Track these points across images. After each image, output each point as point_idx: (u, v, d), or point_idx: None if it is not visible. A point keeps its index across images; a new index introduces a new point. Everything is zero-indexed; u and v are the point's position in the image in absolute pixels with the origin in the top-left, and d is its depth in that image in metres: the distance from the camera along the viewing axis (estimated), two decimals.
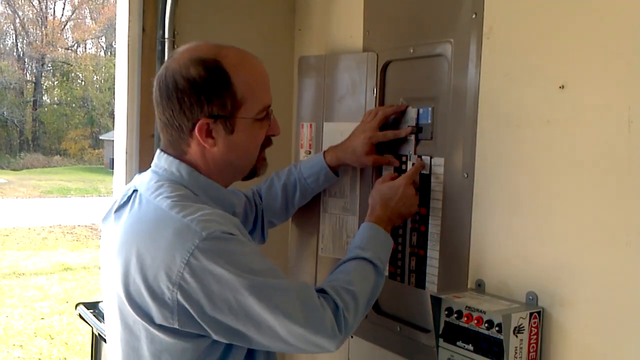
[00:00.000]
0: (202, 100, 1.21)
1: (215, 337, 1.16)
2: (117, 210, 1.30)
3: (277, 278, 1.20)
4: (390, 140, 1.64)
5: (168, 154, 1.29)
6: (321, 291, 1.27)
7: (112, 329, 1.29)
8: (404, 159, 1.63)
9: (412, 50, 1.60)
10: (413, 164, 1.59)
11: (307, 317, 1.18)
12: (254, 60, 1.29)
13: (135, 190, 1.28)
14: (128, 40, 1.88)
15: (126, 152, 1.92)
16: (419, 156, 1.58)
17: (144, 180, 1.29)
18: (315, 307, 1.21)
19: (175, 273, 1.11)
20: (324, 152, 1.68)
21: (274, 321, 1.15)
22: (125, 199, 1.30)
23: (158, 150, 1.31)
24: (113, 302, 1.25)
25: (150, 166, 1.32)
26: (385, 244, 1.46)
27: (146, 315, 1.16)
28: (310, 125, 1.83)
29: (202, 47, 1.25)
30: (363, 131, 1.64)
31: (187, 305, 1.12)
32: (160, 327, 1.16)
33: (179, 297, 1.12)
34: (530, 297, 1.31)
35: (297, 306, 1.18)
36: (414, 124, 1.59)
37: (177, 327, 1.14)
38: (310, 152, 1.83)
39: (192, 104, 1.21)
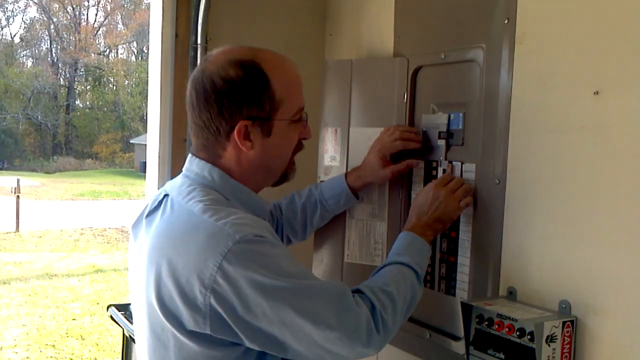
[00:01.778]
0: (241, 101, 1.20)
1: (248, 343, 1.13)
2: (147, 215, 1.30)
3: (310, 279, 1.18)
4: (420, 148, 1.63)
5: (200, 158, 1.27)
6: (357, 292, 1.24)
7: (140, 337, 1.29)
8: (434, 164, 1.62)
9: (443, 56, 1.59)
10: (444, 170, 1.58)
11: (342, 320, 1.15)
12: (289, 62, 1.28)
13: (166, 195, 1.28)
14: (161, 46, 1.91)
15: (159, 157, 1.95)
16: (450, 162, 1.57)
17: (175, 185, 1.28)
18: (351, 308, 1.17)
19: (207, 277, 1.10)
20: (346, 174, 1.68)
21: (309, 325, 1.12)
22: (156, 204, 1.29)
23: (190, 155, 1.30)
24: (142, 309, 1.24)
25: (181, 170, 1.32)
26: (422, 250, 1.42)
27: (177, 321, 1.14)
28: (336, 130, 1.83)
29: (238, 49, 1.25)
30: (375, 147, 1.65)
31: (220, 310, 1.10)
32: (191, 334, 1.14)
33: (212, 301, 1.10)
34: (563, 306, 1.29)
35: (332, 308, 1.15)
36: (445, 130, 1.58)
37: (209, 333, 1.12)
38: (335, 157, 1.83)
39: (231, 106, 1.20)
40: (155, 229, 1.24)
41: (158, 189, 1.94)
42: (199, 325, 1.12)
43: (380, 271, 1.36)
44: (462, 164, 1.54)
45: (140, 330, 1.27)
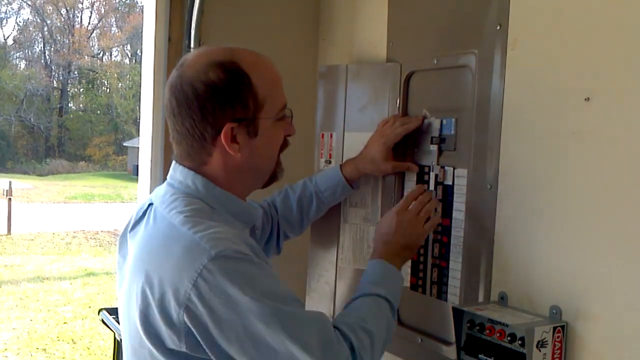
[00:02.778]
0: (225, 104, 1.17)
1: None
2: (133, 225, 1.27)
3: (291, 305, 1.12)
4: (412, 151, 1.64)
5: (184, 165, 1.24)
6: (336, 328, 1.18)
7: (124, 349, 1.26)
8: (426, 169, 1.63)
9: (436, 61, 1.60)
10: (436, 175, 1.58)
11: (324, 351, 1.10)
12: (267, 60, 1.25)
13: (151, 204, 1.25)
14: (154, 50, 1.91)
15: (151, 160, 1.95)
16: (442, 167, 1.58)
17: (160, 194, 1.25)
18: (331, 341, 1.13)
19: (182, 294, 1.06)
20: (341, 165, 1.67)
21: (284, 353, 1.07)
22: (141, 213, 1.26)
23: (173, 162, 1.27)
24: (125, 322, 1.21)
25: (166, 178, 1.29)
26: (396, 281, 1.38)
27: (156, 338, 1.10)
28: (331, 135, 1.83)
29: (214, 50, 1.21)
30: (378, 138, 1.64)
31: (193, 329, 1.06)
32: (169, 352, 1.10)
33: (186, 319, 1.06)
34: (554, 311, 1.29)
35: (312, 337, 1.10)
36: (437, 135, 1.58)
37: (186, 351, 1.09)
38: (330, 162, 1.83)
39: (215, 110, 1.16)
40: (138, 240, 1.22)
41: (150, 192, 1.94)
42: (175, 343, 1.09)
43: (356, 303, 1.31)
44: (454, 169, 1.55)
45: (126, 346, 1.25)
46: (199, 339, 1.07)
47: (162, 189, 1.27)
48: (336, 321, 1.21)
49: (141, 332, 1.13)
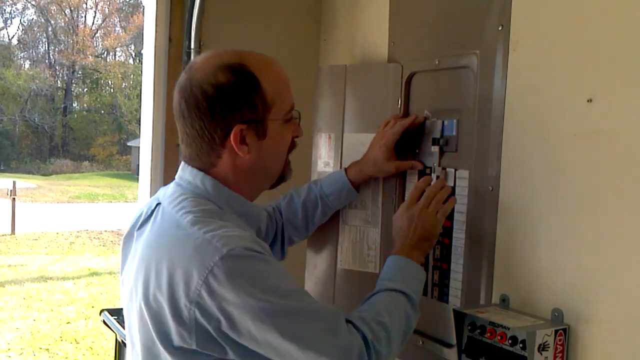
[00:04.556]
0: (234, 106, 1.18)
1: (236, 358, 1.11)
2: (141, 224, 1.27)
3: (303, 302, 1.14)
4: (413, 153, 1.64)
5: (193, 166, 1.25)
6: (350, 321, 1.19)
7: (132, 347, 1.27)
8: (427, 171, 1.62)
9: (437, 62, 1.59)
10: (437, 177, 1.57)
11: (332, 345, 1.11)
12: (275, 62, 1.27)
13: (159, 204, 1.26)
14: (155, 50, 1.90)
15: (151, 161, 1.94)
16: (444, 168, 1.57)
17: (168, 193, 1.26)
18: (342, 333, 1.14)
19: (192, 290, 1.07)
20: (346, 168, 1.67)
21: (295, 350, 1.09)
22: (149, 213, 1.27)
23: (182, 162, 1.28)
24: (134, 319, 1.21)
25: (174, 178, 1.30)
26: (415, 274, 1.37)
27: (165, 336, 1.12)
28: (329, 136, 1.82)
29: (223, 53, 1.23)
30: (379, 140, 1.63)
31: (205, 324, 1.08)
32: (177, 350, 1.11)
33: (197, 316, 1.08)
34: (556, 314, 1.28)
35: (323, 334, 1.12)
36: (439, 136, 1.58)
37: (196, 349, 1.10)
38: (328, 163, 1.82)
39: (225, 112, 1.18)
40: (145, 239, 1.23)
41: (150, 193, 1.94)
42: (185, 341, 1.10)
43: (370, 299, 1.30)
44: (455, 170, 1.54)
45: (133, 340, 1.25)
46: (213, 334, 1.09)
47: (170, 188, 1.28)
48: (350, 316, 1.22)
49: (151, 329, 1.14)
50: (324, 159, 1.83)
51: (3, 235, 13.30)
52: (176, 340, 1.11)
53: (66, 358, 6.56)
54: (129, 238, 1.31)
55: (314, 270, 1.84)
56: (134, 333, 1.23)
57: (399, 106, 1.69)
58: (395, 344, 1.23)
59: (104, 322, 2.68)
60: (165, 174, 1.93)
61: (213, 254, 1.08)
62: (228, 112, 1.18)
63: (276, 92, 1.23)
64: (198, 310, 1.08)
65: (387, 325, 1.21)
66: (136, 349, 1.23)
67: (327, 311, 1.17)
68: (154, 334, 1.14)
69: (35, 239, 13.15)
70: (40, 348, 6.80)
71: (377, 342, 1.17)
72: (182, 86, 1.22)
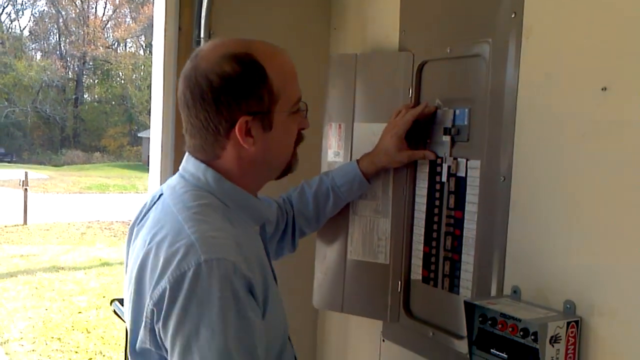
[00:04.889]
0: (240, 97, 1.15)
1: None
2: (143, 216, 1.26)
3: (239, 343, 1.05)
4: (424, 143, 1.62)
5: (196, 157, 1.23)
6: None
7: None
8: (438, 161, 1.60)
9: (449, 50, 1.57)
10: (449, 167, 1.56)
11: None
12: (283, 52, 1.24)
13: (162, 195, 1.24)
14: (164, 39, 1.89)
15: (161, 151, 1.94)
16: (455, 158, 1.55)
17: (171, 184, 1.24)
18: None
19: (160, 289, 1.06)
20: (357, 160, 1.65)
21: None
22: (152, 204, 1.26)
23: (187, 153, 1.25)
24: (128, 310, 1.21)
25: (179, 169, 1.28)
26: None
27: (154, 335, 1.10)
28: (340, 126, 1.80)
29: (230, 42, 1.20)
30: (390, 130, 1.62)
31: (154, 323, 1.07)
32: (141, 352, 1.12)
33: (153, 314, 1.07)
34: (568, 306, 1.27)
35: None
36: (450, 126, 1.56)
37: (151, 348, 1.10)
38: (338, 153, 1.81)
39: (230, 103, 1.15)
40: (143, 232, 1.21)
41: (160, 183, 1.93)
42: (143, 340, 1.10)
43: None
44: (467, 160, 1.52)
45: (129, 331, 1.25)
46: (159, 333, 1.07)
47: (174, 179, 1.26)
48: None
49: (142, 328, 1.13)
50: (334, 149, 1.81)
51: (15, 226, 13.41)
52: (140, 338, 1.11)
53: (77, 347, 6.62)
54: (132, 229, 1.30)
55: (324, 260, 1.83)
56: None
57: (410, 95, 1.67)
58: None
59: (114, 312, 2.67)
60: (175, 164, 1.92)
61: (191, 258, 1.05)
62: (233, 103, 1.16)
63: (283, 84, 1.20)
64: (156, 309, 1.07)
65: None
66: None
67: None
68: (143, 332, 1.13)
69: (47, 230, 13.25)
70: (52, 337, 6.86)
71: None
72: (187, 75, 1.19)
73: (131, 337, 1.18)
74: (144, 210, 1.28)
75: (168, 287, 1.05)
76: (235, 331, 1.04)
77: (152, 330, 1.09)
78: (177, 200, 1.18)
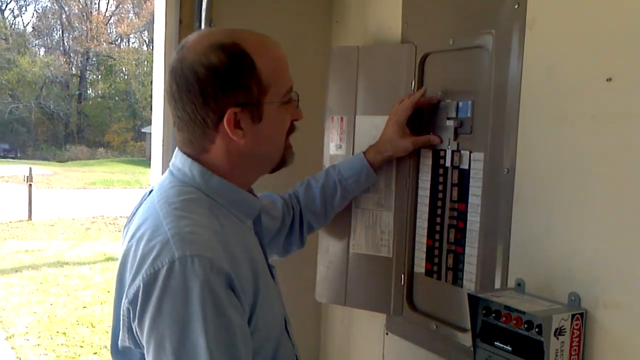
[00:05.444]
0: (227, 88, 1.13)
1: None
2: (135, 212, 1.25)
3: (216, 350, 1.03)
4: (427, 133, 1.62)
5: (184, 152, 1.21)
6: None
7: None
8: (442, 153, 1.59)
9: (451, 42, 1.56)
10: (452, 151, 1.55)
11: None
12: (272, 42, 1.21)
13: (152, 191, 1.23)
14: (165, 33, 1.88)
15: (163, 145, 1.93)
16: (458, 150, 1.54)
17: (160, 181, 1.23)
18: None
19: (135, 289, 1.05)
20: (364, 152, 1.64)
21: None
22: (142, 201, 1.25)
23: (177, 148, 1.24)
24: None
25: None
26: None
27: (132, 334, 1.11)
28: (342, 119, 1.79)
29: (216, 32, 1.18)
30: (391, 118, 1.61)
31: (130, 321, 1.07)
32: (123, 350, 1.12)
33: (128, 311, 1.07)
34: (573, 298, 1.26)
35: None
36: (454, 117, 1.55)
37: (130, 346, 1.10)
38: (340, 146, 1.80)
39: (217, 94, 1.12)
40: (131, 226, 1.19)
41: None
42: (123, 338, 1.10)
43: None
44: (470, 152, 1.51)
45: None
46: (136, 331, 1.07)
47: (164, 176, 1.25)
48: None
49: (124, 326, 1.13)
50: (336, 142, 1.80)
51: (20, 221, 13.45)
52: (121, 339, 1.11)
53: (82, 342, 6.64)
54: (127, 225, 1.28)
55: (327, 254, 1.82)
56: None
57: (413, 88, 1.66)
58: None
59: None
60: None
61: (165, 255, 1.04)
62: (221, 94, 1.13)
63: (273, 74, 1.17)
64: (130, 306, 1.06)
65: None
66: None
67: None
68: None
69: (52, 225, 13.28)
70: (57, 332, 6.88)
71: None
72: (173, 67, 1.17)
73: (113, 336, 1.17)
74: (136, 208, 1.27)
75: (142, 285, 1.04)
76: (213, 328, 1.02)
77: (129, 329, 1.09)
78: (161, 196, 1.17)
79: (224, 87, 1.13)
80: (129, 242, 1.14)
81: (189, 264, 1.03)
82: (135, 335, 1.08)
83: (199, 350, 1.01)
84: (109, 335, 1.21)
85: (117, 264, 1.18)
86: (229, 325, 1.04)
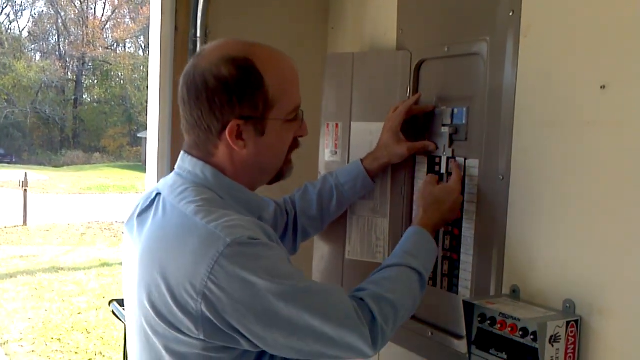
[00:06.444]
0: (234, 100, 1.16)
1: (247, 346, 1.11)
2: (139, 214, 1.26)
3: (309, 282, 1.17)
4: (423, 140, 1.62)
5: (192, 155, 1.23)
6: (360, 299, 1.21)
7: (131, 337, 1.26)
8: (437, 160, 1.59)
9: (447, 49, 1.56)
10: (447, 158, 1.55)
11: (341, 321, 1.13)
12: (286, 58, 1.24)
13: (158, 194, 1.24)
14: (161, 39, 1.88)
15: (158, 151, 1.93)
16: (453, 158, 1.54)
17: (168, 183, 1.24)
18: (350, 311, 1.15)
19: (199, 282, 1.07)
20: (362, 159, 1.65)
21: (305, 327, 1.10)
22: (148, 202, 1.25)
23: (182, 152, 1.26)
24: (134, 310, 1.21)
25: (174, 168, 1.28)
26: (432, 252, 1.41)
27: (171, 326, 1.11)
28: (337, 125, 1.80)
29: (232, 44, 1.20)
30: (386, 125, 1.62)
31: (211, 316, 1.07)
32: (185, 339, 1.11)
33: (203, 308, 1.07)
34: (568, 305, 1.26)
35: (328, 308, 1.13)
36: (449, 124, 1.55)
37: (203, 339, 1.10)
38: (336, 153, 1.80)
39: (223, 105, 1.16)
40: (147, 231, 1.21)
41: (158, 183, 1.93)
42: (192, 331, 1.09)
43: (388, 271, 1.31)
44: (465, 159, 1.51)
45: (132, 330, 1.25)
46: (218, 324, 1.08)
47: (170, 179, 1.26)
48: (363, 290, 1.24)
49: (154, 319, 1.13)
50: (331, 148, 1.80)
51: (15, 227, 13.40)
52: (184, 330, 1.10)
53: (77, 348, 6.61)
54: (129, 226, 1.29)
55: (322, 261, 1.82)
56: (133, 324, 1.23)
57: (408, 94, 1.66)
58: (400, 321, 1.26)
59: (113, 312, 2.68)
60: (172, 164, 1.90)
61: (218, 244, 1.07)
62: (227, 106, 1.16)
63: (280, 91, 1.20)
64: (204, 303, 1.07)
65: (397, 305, 1.24)
66: (135, 342, 1.23)
67: (333, 289, 1.20)
68: (157, 324, 1.13)
69: (47, 230, 13.24)
70: (52, 338, 6.86)
71: (385, 322, 1.20)
72: (187, 72, 1.21)
73: (138, 324, 1.18)
74: (139, 209, 1.27)
75: (211, 280, 1.07)
76: (295, 275, 1.12)
77: (205, 320, 1.09)
78: (179, 197, 1.19)
79: (230, 99, 1.16)
80: (157, 246, 1.17)
81: (242, 244, 1.09)
82: (218, 325, 1.09)
83: (298, 295, 1.11)
84: (133, 328, 1.23)
85: (134, 263, 1.20)
86: (295, 274, 1.13)
